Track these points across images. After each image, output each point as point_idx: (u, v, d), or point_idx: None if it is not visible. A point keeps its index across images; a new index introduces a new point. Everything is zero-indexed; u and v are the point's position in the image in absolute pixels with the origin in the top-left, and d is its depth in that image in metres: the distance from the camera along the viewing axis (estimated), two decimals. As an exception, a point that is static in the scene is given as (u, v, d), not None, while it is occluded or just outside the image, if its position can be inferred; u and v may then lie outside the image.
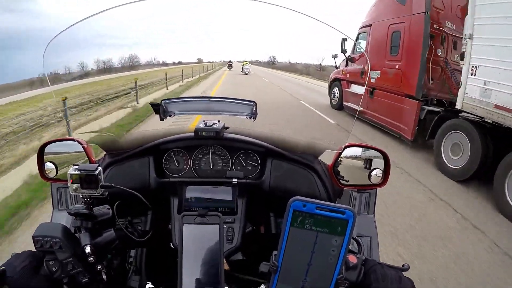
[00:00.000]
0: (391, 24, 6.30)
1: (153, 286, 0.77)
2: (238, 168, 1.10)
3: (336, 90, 8.97)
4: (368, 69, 7.16)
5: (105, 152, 1.08)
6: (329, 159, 1.06)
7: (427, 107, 5.47)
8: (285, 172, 1.05)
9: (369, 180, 1.02)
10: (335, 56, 9.29)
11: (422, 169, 4.79)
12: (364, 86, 7.38)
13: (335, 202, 0.86)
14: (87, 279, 0.66)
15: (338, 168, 1.05)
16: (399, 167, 4.77)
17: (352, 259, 0.59)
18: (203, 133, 1.01)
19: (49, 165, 1.02)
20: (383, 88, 6.51)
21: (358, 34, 7.80)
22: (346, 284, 0.55)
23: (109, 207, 0.79)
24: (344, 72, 8.40)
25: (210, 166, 1.09)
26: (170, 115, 1.14)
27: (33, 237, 0.63)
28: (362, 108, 7.35)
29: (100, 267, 0.69)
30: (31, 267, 0.61)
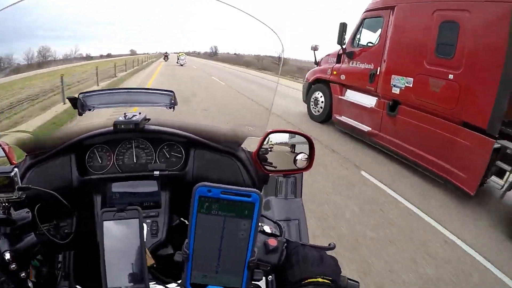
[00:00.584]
0: (439, 10, 4.10)
1: None
2: (162, 160, 1.06)
3: (319, 95, 6.52)
4: (382, 70, 4.92)
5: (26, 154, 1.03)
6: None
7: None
8: (208, 162, 1.05)
9: (295, 164, 1.02)
10: (315, 48, 6.86)
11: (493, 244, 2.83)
12: (375, 96, 5.15)
13: (261, 188, 1.05)
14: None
15: (267, 155, 1.03)
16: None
17: (272, 242, 0.59)
18: (122, 126, 0.97)
19: None
20: (417, 105, 4.35)
21: (363, 20, 5.47)
22: (268, 268, 0.56)
23: (28, 210, 0.75)
24: (335, 72, 6.02)
25: (133, 160, 1.05)
26: (89, 109, 1.10)
27: None
28: (371, 129, 5.14)
29: (23, 274, 0.66)
30: None
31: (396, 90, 4.65)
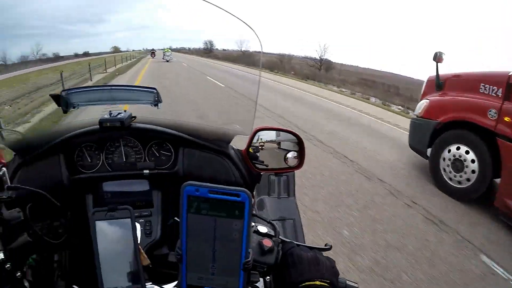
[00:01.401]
0: None
1: None
2: (152, 159, 1.05)
3: (466, 154, 3.59)
4: None
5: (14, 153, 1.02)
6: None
7: None
8: (197, 160, 1.03)
9: (286, 163, 1.03)
10: (439, 59, 3.96)
11: None
12: None
13: (253, 187, 0.99)
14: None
15: (258, 153, 1.03)
16: None
17: (267, 242, 0.58)
18: (108, 124, 0.96)
19: None
20: None
21: None
22: (265, 269, 0.55)
23: (19, 210, 0.73)
24: (508, 118, 3.18)
25: (123, 159, 1.04)
26: (74, 107, 1.10)
27: None
28: None
29: (19, 274, 0.66)
30: None
31: None
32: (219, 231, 0.45)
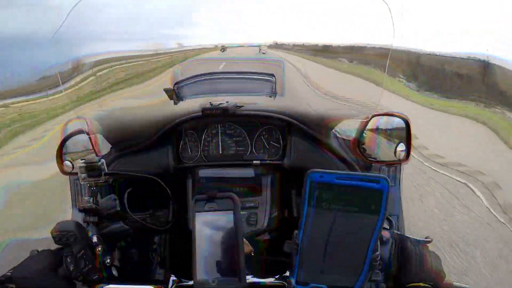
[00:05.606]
0: None
1: (176, 279, 0.72)
2: (260, 150, 1.02)
3: None
4: None
5: (111, 146, 1.05)
6: (352, 131, 0.95)
7: None
8: (307, 148, 0.98)
9: (395, 155, 0.95)
10: None
11: None
12: None
13: None
14: (97, 276, 0.64)
15: (361, 140, 0.97)
16: None
17: (385, 233, 0.52)
18: (213, 111, 0.95)
19: (67, 163, 1.09)
20: None
21: None
22: (378, 262, 0.50)
23: (115, 197, 0.76)
24: None
25: (232, 147, 1.03)
26: (182, 100, 1.08)
27: (51, 233, 0.63)
28: None
29: (108, 260, 0.67)
30: (49, 267, 0.61)
31: None
32: (347, 223, 0.40)
